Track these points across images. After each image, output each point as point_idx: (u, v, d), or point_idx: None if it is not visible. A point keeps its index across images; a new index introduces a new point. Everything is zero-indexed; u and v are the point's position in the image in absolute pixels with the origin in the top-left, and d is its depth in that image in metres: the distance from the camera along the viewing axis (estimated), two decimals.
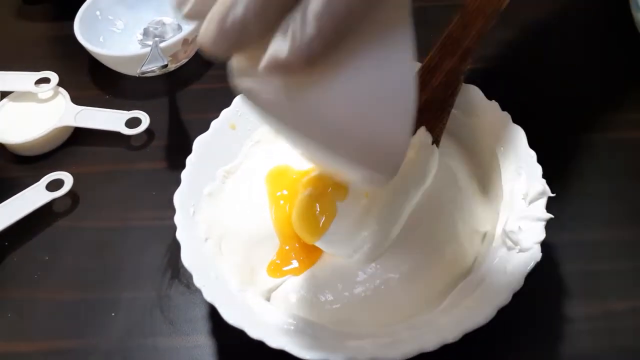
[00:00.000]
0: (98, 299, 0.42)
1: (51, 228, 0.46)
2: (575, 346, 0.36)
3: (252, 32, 0.22)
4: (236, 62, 0.25)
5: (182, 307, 0.41)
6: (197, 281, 0.33)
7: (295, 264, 0.38)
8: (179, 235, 0.36)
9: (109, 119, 0.51)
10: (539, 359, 0.37)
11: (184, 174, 0.39)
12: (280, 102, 0.24)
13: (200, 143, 0.40)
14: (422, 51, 0.42)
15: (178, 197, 0.37)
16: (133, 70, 0.54)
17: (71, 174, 0.47)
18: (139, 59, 0.50)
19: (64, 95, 0.53)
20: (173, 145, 0.51)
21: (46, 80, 0.53)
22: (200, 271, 0.34)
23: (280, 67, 0.22)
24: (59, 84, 0.53)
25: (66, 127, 0.51)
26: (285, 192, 0.41)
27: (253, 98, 0.25)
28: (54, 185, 0.47)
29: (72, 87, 0.54)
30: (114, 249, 0.45)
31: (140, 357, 0.39)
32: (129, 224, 0.46)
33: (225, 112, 0.42)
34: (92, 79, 0.57)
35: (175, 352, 0.39)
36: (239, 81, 0.25)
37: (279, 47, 0.22)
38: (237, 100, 0.42)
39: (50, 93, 0.53)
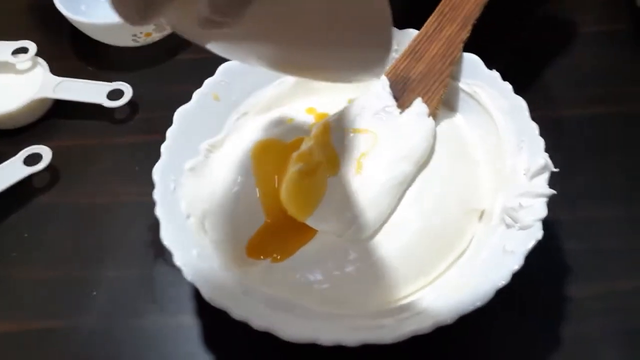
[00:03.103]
0: (79, 277, 0.40)
1: (31, 204, 0.44)
2: (580, 329, 0.35)
3: None
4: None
5: (167, 285, 0.39)
6: (178, 260, 0.32)
7: (277, 247, 0.36)
8: (158, 211, 0.34)
9: (90, 91, 0.49)
10: (540, 343, 0.35)
11: (164, 147, 0.37)
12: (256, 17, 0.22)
13: (181, 114, 0.38)
14: (419, 19, 0.41)
15: (158, 172, 0.35)
16: (117, 40, 0.52)
17: (51, 148, 0.45)
18: (122, 27, 0.48)
19: (42, 66, 0.50)
20: (158, 119, 0.48)
21: (24, 50, 0.50)
22: (181, 249, 0.32)
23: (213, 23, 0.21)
24: (39, 55, 0.50)
25: (45, 99, 0.49)
26: (273, 167, 0.39)
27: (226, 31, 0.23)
28: (33, 159, 0.45)
29: (53, 58, 0.51)
30: (96, 225, 0.43)
31: (123, 338, 0.38)
32: (111, 200, 0.44)
33: (208, 82, 0.40)
34: (74, 50, 0.54)
35: (160, 332, 0.38)
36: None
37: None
38: (222, 69, 0.40)
39: (29, 64, 0.50)
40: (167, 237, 0.33)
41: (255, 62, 0.30)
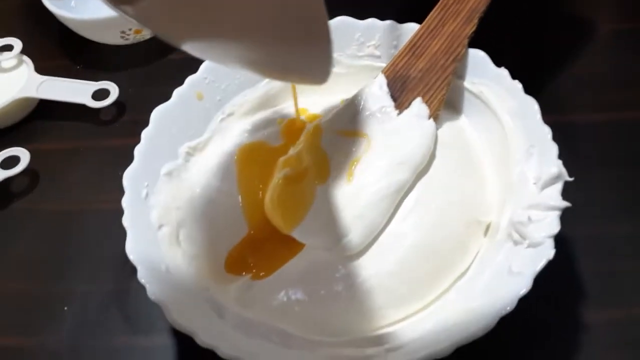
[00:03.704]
0: (48, 291, 0.38)
1: (5, 210, 0.42)
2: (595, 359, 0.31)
3: None
4: None
5: (142, 302, 0.36)
6: (142, 275, 0.29)
7: (259, 262, 0.33)
8: (125, 220, 0.31)
9: (74, 90, 0.47)
10: None
11: (137, 150, 0.34)
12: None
13: (159, 114, 0.35)
14: (420, 12, 0.38)
15: (128, 177, 0.33)
16: (106, 37, 0.50)
17: (32, 150, 0.43)
18: (110, 23, 0.46)
19: (27, 64, 0.48)
20: (145, 121, 0.46)
21: (9, 48, 0.48)
22: (146, 264, 0.29)
23: None
24: (24, 52, 0.48)
25: (28, 99, 0.47)
26: (258, 173, 0.36)
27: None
28: (12, 162, 0.42)
29: (39, 56, 0.50)
30: (72, 235, 0.41)
31: (92, 357, 0.35)
32: (91, 206, 0.42)
33: (191, 79, 0.37)
34: (62, 48, 0.52)
35: (131, 353, 0.35)
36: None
37: None
38: (206, 66, 0.37)
39: (13, 62, 0.49)
40: (134, 249, 0.30)
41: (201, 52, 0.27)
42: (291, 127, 0.37)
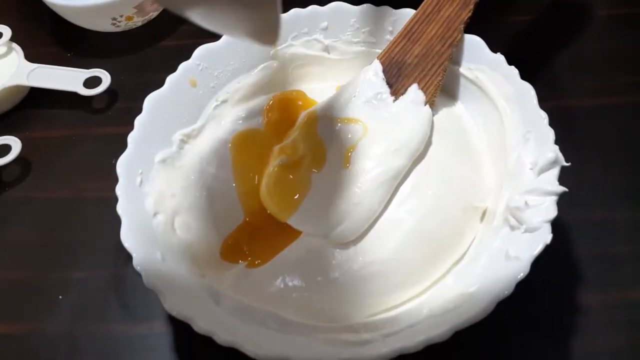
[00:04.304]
0: (45, 279, 0.38)
1: None
2: (591, 342, 0.32)
3: None
4: None
5: (139, 289, 0.36)
6: (138, 263, 0.28)
7: (255, 249, 0.33)
8: (120, 208, 0.30)
9: (66, 78, 0.46)
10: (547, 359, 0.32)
11: (130, 137, 0.34)
12: None
13: (152, 101, 0.35)
14: None
15: (123, 164, 0.32)
16: (97, 24, 0.49)
17: (22, 139, 0.43)
18: (101, 10, 0.45)
19: (17, 52, 0.48)
20: (138, 109, 0.45)
21: None
22: (142, 251, 0.29)
23: None
24: (14, 40, 0.48)
25: (18, 87, 0.46)
26: (253, 160, 0.35)
27: None
28: (3, 151, 0.42)
29: (29, 43, 0.49)
30: (67, 223, 0.40)
31: (89, 345, 0.35)
32: (85, 195, 0.41)
33: (184, 66, 0.36)
34: (52, 36, 0.52)
35: (129, 340, 0.35)
36: None
37: None
38: (200, 52, 0.37)
39: (3, 49, 0.48)
40: (128, 237, 0.30)
41: None
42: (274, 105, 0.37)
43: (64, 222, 0.40)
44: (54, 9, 0.48)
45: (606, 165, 0.38)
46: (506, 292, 0.27)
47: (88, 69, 0.46)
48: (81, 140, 0.45)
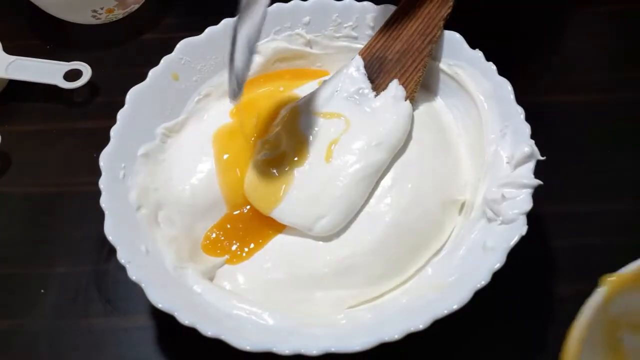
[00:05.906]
0: (26, 274, 0.38)
1: None
2: (565, 331, 0.32)
3: None
4: None
5: (121, 283, 0.36)
6: (122, 256, 0.28)
7: (238, 242, 0.33)
8: (103, 201, 0.30)
9: (45, 71, 0.45)
10: (523, 349, 0.33)
11: (114, 131, 0.34)
12: None
13: (135, 94, 0.35)
14: None
15: (105, 158, 0.32)
16: (76, 17, 0.49)
17: (2, 132, 0.42)
18: (81, 2, 0.45)
19: None
20: (120, 103, 0.45)
21: None
22: (126, 245, 0.29)
23: None
24: None
25: None
26: (236, 154, 0.35)
27: None
28: None
29: (7, 35, 0.48)
30: (47, 217, 0.40)
31: (71, 340, 0.35)
32: (65, 189, 0.41)
33: (166, 59, 0.36)
34: (31, 28, 0.51)
35: (112, 334, 0.35)
36: None
37: None
38: (182, 46, 0.37)
39: None
40: (112, 230, 0.30)
41: None
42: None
43: (45, 216, 0.40)
44: (34, 0, 0.48)
45: (581, 160, 0.39)
46: (483, 282, 0.28)
47: (68, 61, 0.46)
48: (62, 133, 0.44)
